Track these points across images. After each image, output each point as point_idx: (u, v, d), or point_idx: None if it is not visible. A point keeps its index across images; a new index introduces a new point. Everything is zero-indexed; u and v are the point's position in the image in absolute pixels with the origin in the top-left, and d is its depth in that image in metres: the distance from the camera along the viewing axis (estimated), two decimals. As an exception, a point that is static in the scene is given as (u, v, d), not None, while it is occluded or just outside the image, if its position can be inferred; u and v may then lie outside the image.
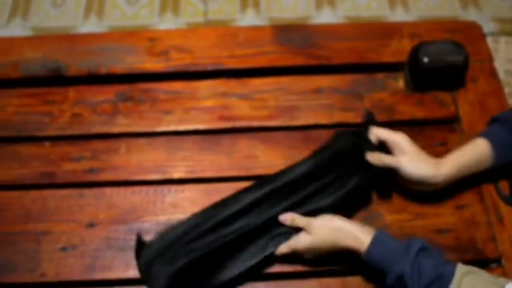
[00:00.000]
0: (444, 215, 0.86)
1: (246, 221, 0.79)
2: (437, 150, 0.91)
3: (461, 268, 0.70)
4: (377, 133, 0.86)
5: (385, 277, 0.74)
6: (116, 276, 0.80)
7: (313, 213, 0.80)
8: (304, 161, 0.84)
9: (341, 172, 0.83)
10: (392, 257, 0.73)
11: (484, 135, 0.85)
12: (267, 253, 0.79)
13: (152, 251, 0.77)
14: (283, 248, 0.79)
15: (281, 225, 0.80)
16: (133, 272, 0.80)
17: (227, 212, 0.79)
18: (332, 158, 0.83)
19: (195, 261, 0.76)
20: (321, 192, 0.82)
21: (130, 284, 0.80)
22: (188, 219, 0.80)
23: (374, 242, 0.75)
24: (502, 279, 0.69)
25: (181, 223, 0.79)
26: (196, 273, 0.78)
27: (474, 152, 0.83)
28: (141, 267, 0.77)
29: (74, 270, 0.80)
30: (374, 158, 0.83)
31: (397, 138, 0.84)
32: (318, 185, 0.82)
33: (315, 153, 0.85)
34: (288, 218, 0.80)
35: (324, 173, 0.82)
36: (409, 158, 0.82)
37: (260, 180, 0.83)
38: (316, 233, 0.78)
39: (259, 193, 0.80)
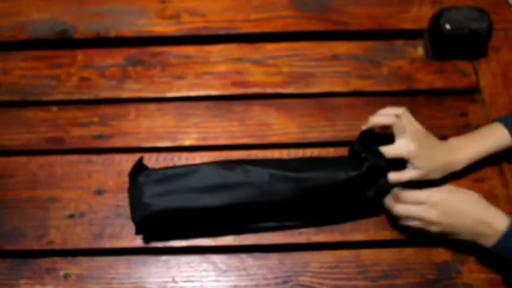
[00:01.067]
0: (463, 188, 0.82)
1: (252, 193, 0.75)
2: (456, 120, 0.89)
3: None
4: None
5: None
6: (124, 245, 0.78)
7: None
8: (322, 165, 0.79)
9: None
10: None
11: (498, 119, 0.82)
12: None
13: (151, 179, 0.75)
14: (414, 194, 0.75)
15: (292, 218, 0.79)
16: (142, 241, 0.78)
17: (235, 178, 0.75)
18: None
19: (190, 210, 0.74)
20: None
21: (139, 253, 0.78)
22: (197, 167, 0.77)
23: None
24: None
25: (190, 168, 0.77)
26: (185, 222, 0.76)
27: (492, 139, 0.80)
28: (132, 189, 0.76)
29: (81, 238, 0.79)
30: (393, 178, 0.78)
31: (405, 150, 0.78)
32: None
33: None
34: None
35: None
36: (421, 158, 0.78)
37: (269, 160, 0.81)
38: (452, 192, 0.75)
39: (266, 172, 0.76)
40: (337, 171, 0.76)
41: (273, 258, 0.78)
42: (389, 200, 0.77)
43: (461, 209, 0.74)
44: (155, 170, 0.77)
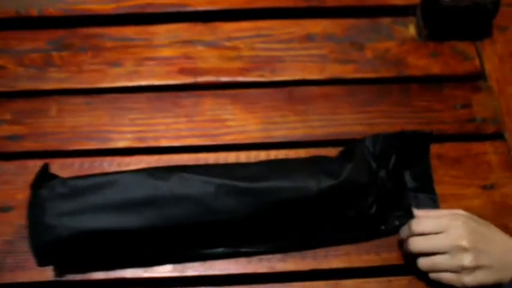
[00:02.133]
0: (468, 197, 0.68)
1: (192, 210, 0.58)
2: (458, 112, 0.74)
3: None
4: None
5: None
6: (31, 279, 0.61)
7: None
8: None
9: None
10: None
11: None
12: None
13: (57, 192, 0.58)
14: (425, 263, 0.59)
15: (248, 242, 0.61)
16: (54, 274, 0.61)
17: (169, 191, 0.58)
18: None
19: (108, 234, 0.57)
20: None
21: (49, 290, 0.61)
22: (119, 176, 0.59)
23: None
24: None
25: (109, 177, 0.59)
26: (103, 249, 0.59)
27: None
28: (32, 206, 0.58)
29: (-26, 270, 0.61)
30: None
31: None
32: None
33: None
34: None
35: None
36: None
37: (216, 166, 0.64)
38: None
39: (211, 182, 0.58)
40: (306, 181, 0.59)
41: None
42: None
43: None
44: (63, 181, 0.59)
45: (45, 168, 0.60)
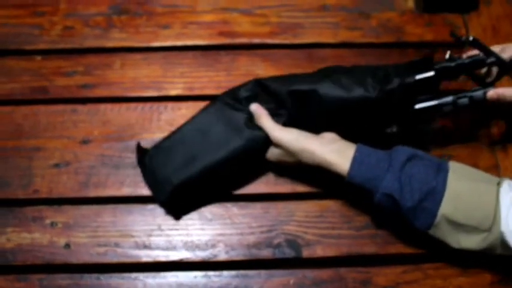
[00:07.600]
0: (449, 140, 0.83)
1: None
2: None
3: (452, 179, 0.65)
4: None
5: (372, 198, 0.68)
6: (110, 194, 0.78)
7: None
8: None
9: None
10: (376, 175, 0.66)
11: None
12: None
13: (157, 156, 0.75)
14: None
15: None
16: (128, 190, 0.78)
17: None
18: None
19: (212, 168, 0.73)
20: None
21: (125, 202, 0.78)
22: (192, 121, 0.76)
23: (354, 163, 0.67)
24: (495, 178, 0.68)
25: (187, 125, 0.76)
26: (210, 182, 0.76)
27: None
28: (145, 173, 0.76)
29: (67, 187, 0.78)
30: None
31: None
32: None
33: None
34: (259, 112, 0.75)
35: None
36: None
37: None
38: (280, 147, 0.73)
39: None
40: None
41: (258, 207, 0.78)
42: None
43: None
44: (155, 148, 0.76)
45: (139, 146, 0.76)
